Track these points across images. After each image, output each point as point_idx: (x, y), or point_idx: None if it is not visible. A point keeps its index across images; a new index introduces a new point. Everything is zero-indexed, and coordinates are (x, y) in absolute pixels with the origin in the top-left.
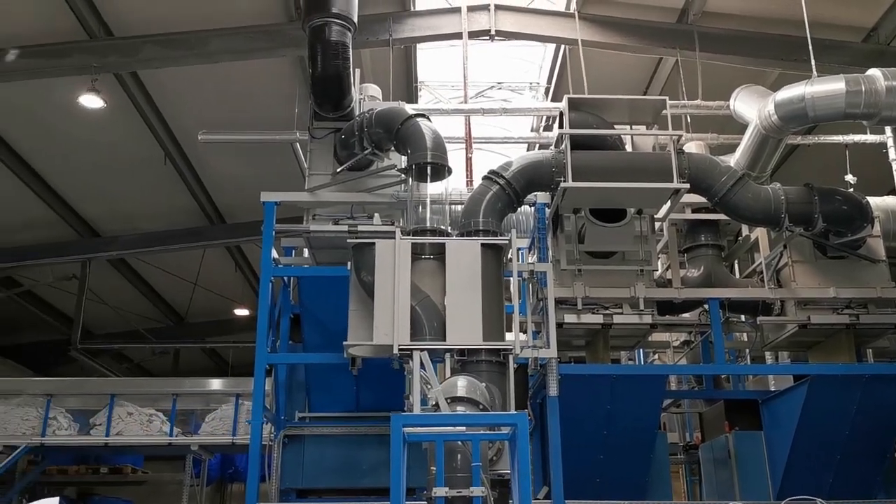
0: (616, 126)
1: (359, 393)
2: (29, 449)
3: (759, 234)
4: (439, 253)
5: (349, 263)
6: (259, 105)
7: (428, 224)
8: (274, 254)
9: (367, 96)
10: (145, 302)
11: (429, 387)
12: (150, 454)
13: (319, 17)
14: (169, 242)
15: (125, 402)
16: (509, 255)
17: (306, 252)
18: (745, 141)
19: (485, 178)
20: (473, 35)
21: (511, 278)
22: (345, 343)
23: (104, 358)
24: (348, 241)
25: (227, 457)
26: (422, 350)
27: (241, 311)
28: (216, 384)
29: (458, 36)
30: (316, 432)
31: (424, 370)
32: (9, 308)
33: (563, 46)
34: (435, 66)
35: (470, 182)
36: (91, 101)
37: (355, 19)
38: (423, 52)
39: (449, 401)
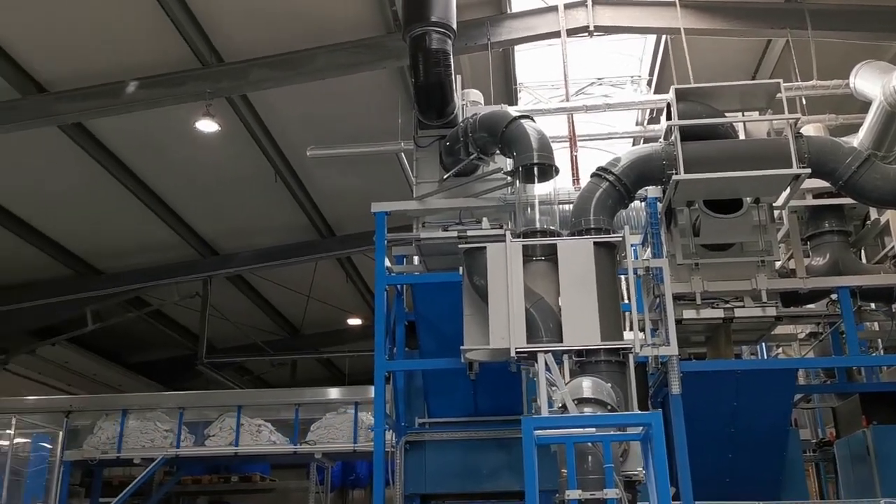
0: (727, 114)
1: (477, 397)
2: (165, 461)
3: (890, 216)
4: (551, 254)
5: (461, 269)
6: (363, 118)
7: (538, 225)
8: (386, 263)
9: (468, 102)
10: (262, 316)
11: (554, 389)
12: (275, 462)
13: (419, 27)
14: (282, 257)
15: (234, 413)
16: (623, 253)
17: (416, 259)
18: (869, 119)
19: (593, 175)
20: (572, 32)
21: (626, 276)
22: (462, 348)
23: (228, 371)
24: (459, 246)
25: (348, 464)
26: (546, 352)
27: (354, 321)
28: (334, 393)
29: (556, 35)
30: (436, 438)
31: (549, 372)
32: (139, 327)
33: (664, 37)
34: (533, 66)
35: (577, 181)
36: (207, 125)
37: (454, 26)
38: (521, 53)
39: (576, 402)
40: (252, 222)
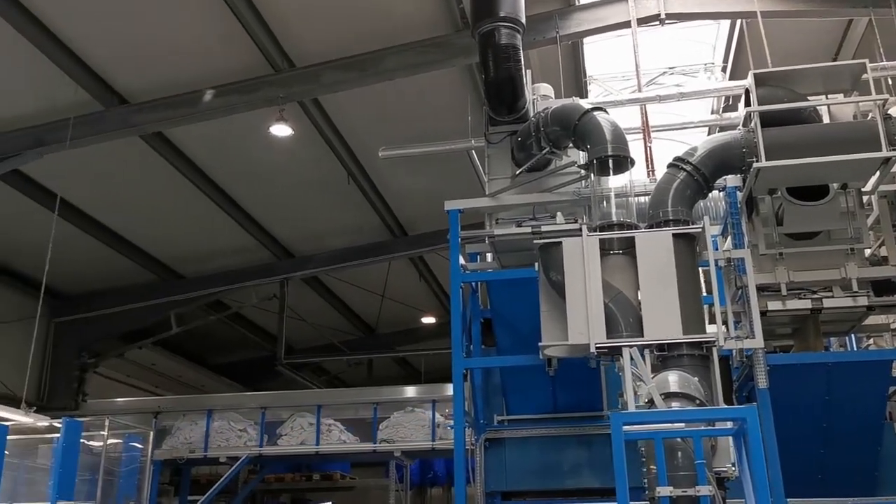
0: (809, 98)
1: (555, 394)
2: (249, 459)
3: None
4: (628, 247)
5: (536, 264)
6: (433, 117)
7: (614, 218)
8: (461, 260)
9: (539, 96)
10: (338, 316)
11: (639, 384)
12: (355, 461)
13: (488, 23)
14: (356, 258)
15: (305, 413)
16: (703, 244)
17: (489, 257)
18: None
19: (670, 165)
20: (642, 21)
21: (706, 268)
22: (540, 344)
23: (305, 371)
24: (534, 241)
25: (426, 462)
26: (630, 346)
27: (428, 319)
28: (411, 392)
29: (626, 25)
30: (515, 435)
31: (636, 367)
32: (220, 330)
33: (738, 21)
34: (602, 58)
35: (652, 172)
36: (281, 130)
37: (523, 20)
38: (589, 45)
39: (663, 397)
40: (326, 224)
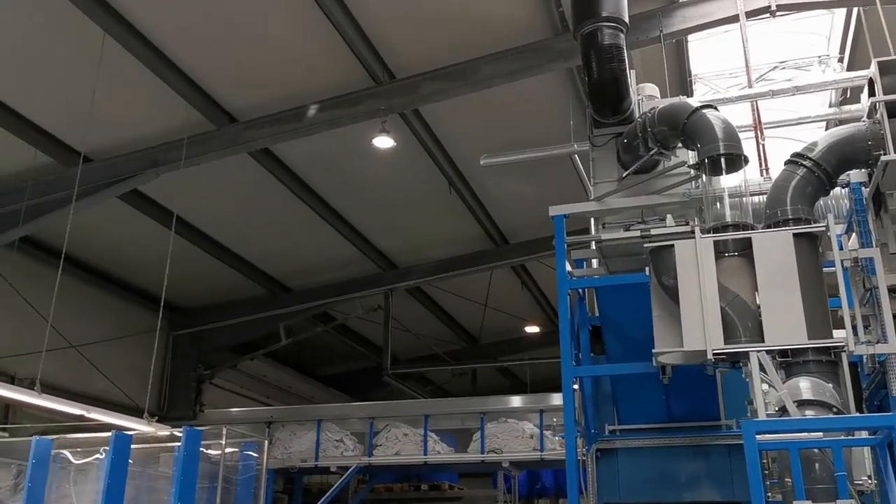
0: None
1: (669, 402)
2: (359, 469)
3: None
4: (744, 249)
5: (647, 269)
6: (532, 124)
7: (728, 219)
8: (567, 267)
9: (644, 97)
10: (442, 326)
11: (766, 391)
12: (462, 471)
13: (590, 24)
14: (458, 267)
15: (400, 423)
16: (827, 244)
17: (595, 263)
18: None
19: (788, 161)
20: (751, 14)
21: (831, 269)
22: (654, 351)
23: (410, 381)
24: (645, 245)
25: (533, 473)
26: (758, 351)
27: (532, 329)
28: (517, 401)
29: (733, 20)
30: (628, 445)
31: (765, 373)
32: (327, 341)
33: (854, 10)
34: (707, 56)
35: (765, 171)
36: (383, 142)
37: (626, 20)
38: (694, 43)
39: (796, 405)
40: (428, 235)
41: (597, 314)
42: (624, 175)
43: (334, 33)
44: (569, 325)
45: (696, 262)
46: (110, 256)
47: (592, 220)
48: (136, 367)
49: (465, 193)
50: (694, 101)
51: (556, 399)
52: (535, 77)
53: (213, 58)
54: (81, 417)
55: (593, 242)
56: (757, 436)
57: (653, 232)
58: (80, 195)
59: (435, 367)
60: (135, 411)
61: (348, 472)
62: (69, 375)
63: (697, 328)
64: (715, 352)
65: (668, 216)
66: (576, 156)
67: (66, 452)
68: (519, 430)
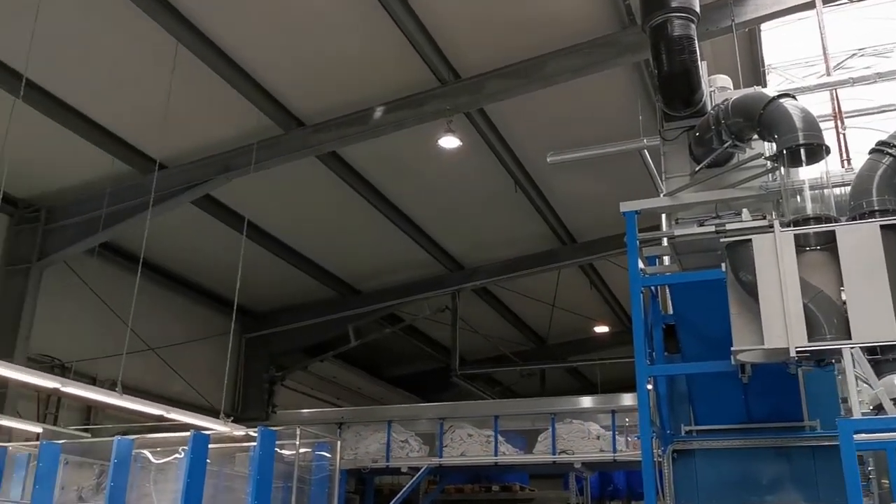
0: None
1: (748, 402)
2: (430, 470)
3: None
4: (827, 243)
5: (723, 265)
6: (599, 120)
7: (809, 212)
8: (640, 264)
9: (716, 88)
10: (509, 327)
11: (859, 389)
12: (532, 472)
13: (660, 15)
14: (525, 267)
15: (465, 424)
16: None
17: (666, 260)
18: None
19: (873, 150)
20: (828, 1)
21: None
22: (732, 349)
23: (479, 382)
24: (721, 240)
25: (605, 475)
26: (852, 347)
27: (601, 329)
28: (587, 402)
29: (809, 6)
30: (706, 446)
31: (859, 369)
32: (395, 342)
33: None
34: (781, 46)
35: (847, 161)
36: (449, 142)
37: (697, 9)
38: (767, 32)
39: (894, 402)
40: (495, 235)
41: (670, 312)
42: (697, 169)
43: (399, 35)
44: (642, 323)
45: (776, 257)
46: (185, 261)
47: (664, 216)
48: (211, 369)
49: (532, 192)
50: (770, 91)
51: (628, 399)
52: (602, 72)
53: (281, 63)
54: (161, 418)
55: (665, 239)
56: (855, 436)
57: (729, 227)
58: (155, 201)
59: (503, 368)
60: (210, 412)
61: (419, 472)
62: (148, 377)
63: (779, 325)
64: (798, 349)
65: (744, 210)
66: (645, 151)
67: (147, 452)
68: (586, 430)
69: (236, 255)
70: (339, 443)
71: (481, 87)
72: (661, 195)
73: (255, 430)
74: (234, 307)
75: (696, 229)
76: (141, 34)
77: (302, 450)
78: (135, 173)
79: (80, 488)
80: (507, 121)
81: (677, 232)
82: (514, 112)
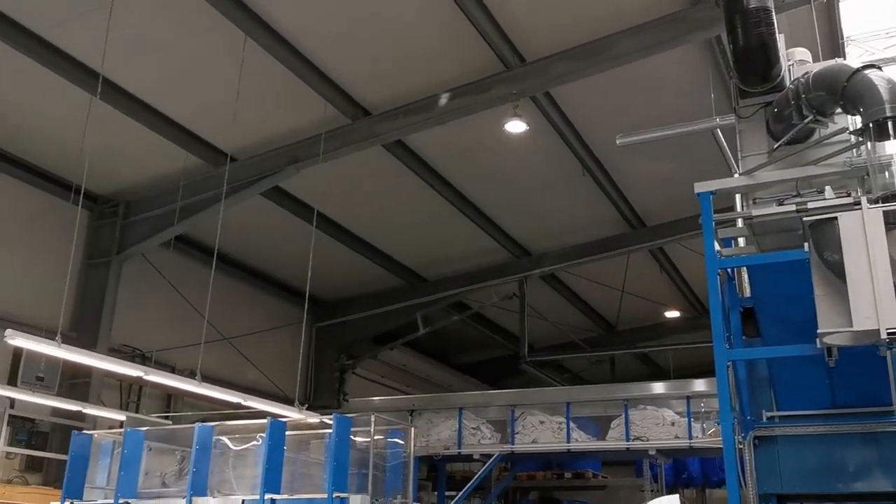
0: None
1: (834, 386)
2: (502, 457)
3: None
4: None
5: (806, 245)
6: (669, 100)
7: None
8: (716, 246)
9: (795, 62)
10: (577, 313)
11: None
12: (604, 460)
13: None
14: (594, 252)
15: (536, 411)
16: None
17: (741, 241)
18: None
19: None
20: None
21: None
22: (818, 332)
23: (547, 369)
24: (804, 220)
25: (679, 462)
26: None
27: (672, 314)
28: (661, 388)
29: None
30: (789, 432)
31: None
32: (462, 330)
33: None
34: (859, 17)
35: None
36: (516, 126)
37: None
38: (845, 3)
39: None
40: (562, 220)
41: (747, 295)
42: (775, 147)
43: (464, 20)
44: (720, 306)
45: (864, 236)
46: (256, 252)
47: (738, 196)
48: (282, 358)
49: (599, 175)
50: (854, 63)
51: (701, 385)
52: (672, 51)
53: (346, 53)
54: (237, 406)
55: (740, 220)
56: None
57: (811, 205)
58: (227, 193)
59: (572, 355)
60: (283, 400)
61: (491, 459)
62: (223, 367)
63: (868, 306)
64: (889, 330)
65: (827, 188)
66: (718, 131)
67: (225, 439)
68: (659, 417)
69: (305, 245)
70: (412, 430)
71: (548, 70)
72: (737, 175)
73: (330, 416)
74: (307, 297)
75: (777, 209)
76: (210, 29)
77: (376, 437)
78: (207, 166)
79: (163, 474)
80: (574, 103)
81: (756, 212)
82: (580, 94)
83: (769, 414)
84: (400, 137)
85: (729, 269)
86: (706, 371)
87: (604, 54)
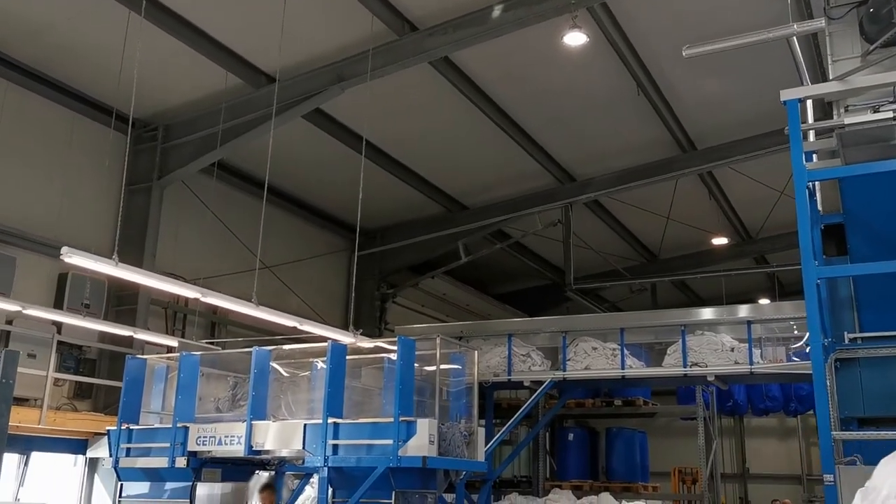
0: None
1: None
2: (553, 383)
3: None
4: None
5: None
6: (734, 10)
7: None
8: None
9: None
10: (619, 241)
11: None
12: (658, 387)
13: None
14: (641, 177)
15: (589, 337)
16: None
17: (814, 158)
18: None
19: None
20: None
21: None
22: None
23: (589, 297)
24: None
25: (722, 391)
26: None
27: (719, 240)
28: (718, 313)
29: None
30: (872, 354)
31: None
32: (502, 259)
33: None
34: None
35: None
36: (575, 38)
37: None
38: None
39: None
40: (610, 144)
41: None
42: (870, 49)
43: None
44: (808, 221)
45: None
46: (294, 179)
47: (809, 111)
48: (322, 286)
49: (653, 95)
50: None
51: (745, 311)
52: None
53: None
54: (287, 331)
55: (814, 132)
56: None
57: None
58: (269, 116)
59: (618, 282)
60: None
61: (542, 386)
62: (265, 294)
63: None
64: None
65: None
66: (794, 39)
67: (276, 365)
68: (718, 342)
69: (345, 172)
70: (476, 353)
71: None
72: (829, 80)
73: (391, 340)
74: (357, 229)
75: (873, 116)
76: None
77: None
78: (247, 88)
79: (217, 399)
80: (632, 15)
81: (848, 120)
82: (639, 5)
83: (852, 335)
84: (449, 53)
85: (809, 184)
86: (751, 299)
87: None
